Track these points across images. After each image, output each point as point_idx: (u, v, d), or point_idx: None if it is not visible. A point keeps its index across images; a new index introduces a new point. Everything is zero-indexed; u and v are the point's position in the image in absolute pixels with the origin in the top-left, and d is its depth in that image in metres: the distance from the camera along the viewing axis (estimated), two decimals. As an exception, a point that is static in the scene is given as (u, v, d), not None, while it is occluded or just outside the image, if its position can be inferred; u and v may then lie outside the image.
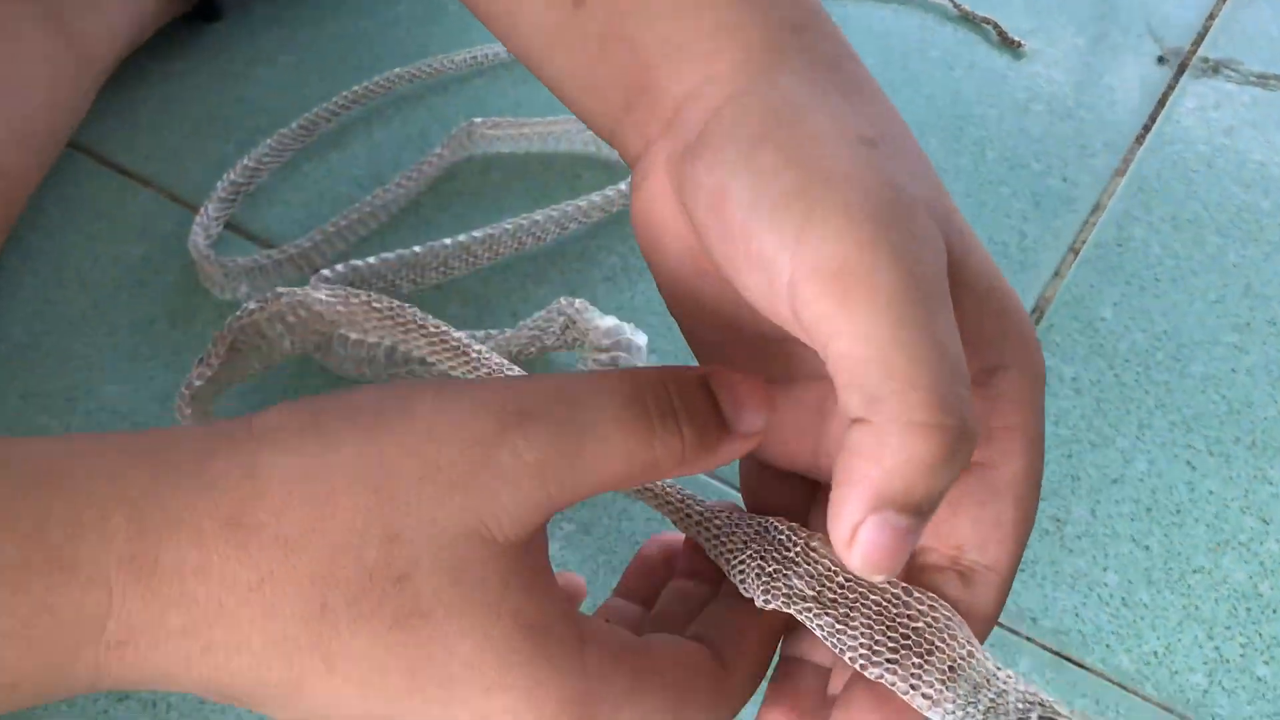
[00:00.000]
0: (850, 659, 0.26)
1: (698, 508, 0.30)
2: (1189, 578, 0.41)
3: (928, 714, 0.26)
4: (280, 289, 0.42)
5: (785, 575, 0.28)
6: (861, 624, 0.26)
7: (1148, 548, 0.42)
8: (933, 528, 0.27)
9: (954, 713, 0.25)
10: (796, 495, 0.31)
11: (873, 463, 0.23)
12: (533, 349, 0.45)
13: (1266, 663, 0.39)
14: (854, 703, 0.27)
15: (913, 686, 0.26)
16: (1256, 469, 0.44)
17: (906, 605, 0.27)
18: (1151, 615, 0.40)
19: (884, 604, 0.27)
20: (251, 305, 0.43)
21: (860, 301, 0.23)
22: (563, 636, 0.25)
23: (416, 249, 0.47)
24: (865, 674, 0.26)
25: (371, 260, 0.47)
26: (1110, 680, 0.39)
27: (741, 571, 0.28)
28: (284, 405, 0.26)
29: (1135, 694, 0.38)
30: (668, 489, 0.31)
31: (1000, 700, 0.25)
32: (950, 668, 0.26)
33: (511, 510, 0.25)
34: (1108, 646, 0.39)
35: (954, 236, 0.25)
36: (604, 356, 0.44)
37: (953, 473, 0.23)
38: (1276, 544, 0.42)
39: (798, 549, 0.28)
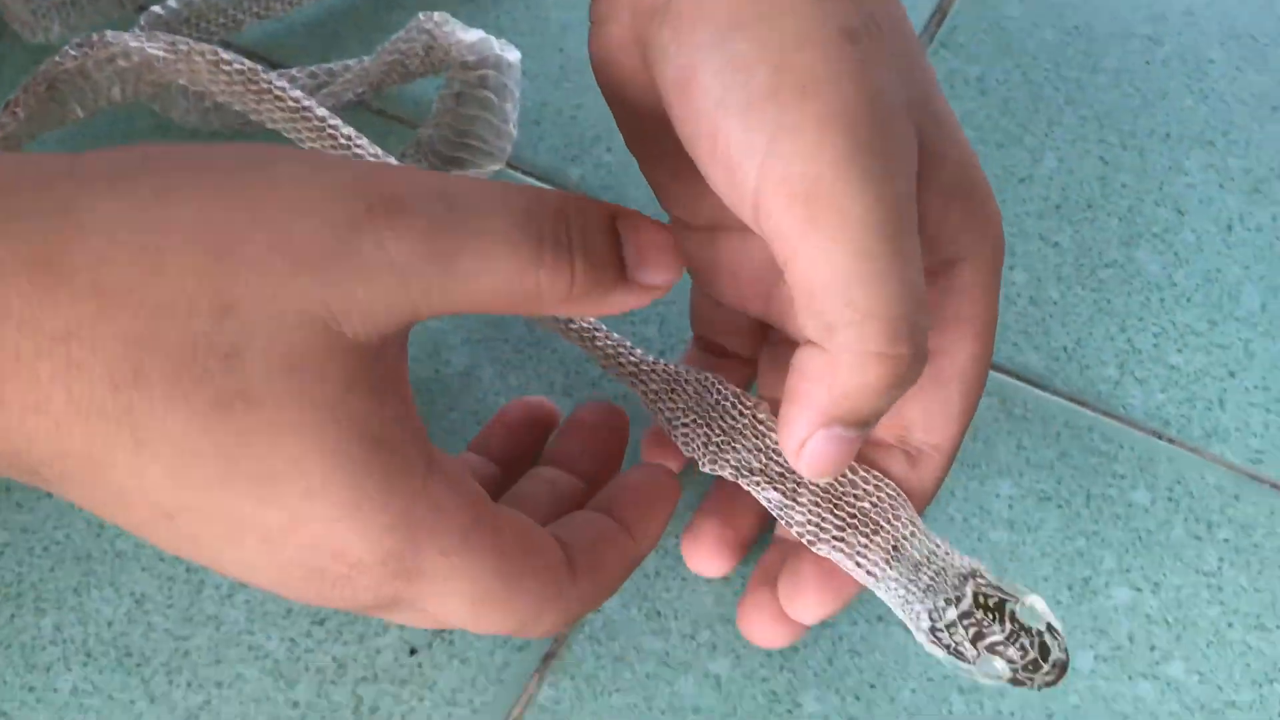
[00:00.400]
0: (798, 534, 0.27)
1: (630, 357, 0.29)
2: (1100, 272, 0.39)
3: (873, 589, 0.27)
4: (109, 35, 0.37)
5: (733, 446, 0.28)
6: (809, 500, 0.27)
7: (1057, 244, 0.39)
8: None
9: (896, 590, 0.26)
10: (747, 330, 0.32)
11: (822, 386, 0.23)
12: (394, 76, 0.41)
13: (1179, 350, 0.37)
14: (801, 575, 0.28)
15: (858, 564, 0.27)
16: (1172, 160, 0.41)
17: (853, 484, 0.27)
18: (1061, 312, 0.38)
19: (830, 481, 0.27)
20: (72, 50, 0.38)
21: (826, 227, 0.22)
22: (406, 456, 0.22)
23: (260, -20, 0.42)
24: (812, 549, 0.27)
25: (208, -6, 0.41)
26: (1018, 377, 0.37)
27: (685, 435, 0.28)
28: (117, 148, 0.23)
29: (1044, 389, 0.36)
30: (595, 330, 0.29)
31: (939, 578, 0.27)
32: (894, 547, 0.27)
33: (365, 305, 0.22)
34: (1014, 344, 0.37)
35: (930, 128, 0.24)
36: (472, 76, 0.40)
37: (901, 393, 0.24)
38: (1191, 233, 0.40)
39: (745, 420, 0.28)
